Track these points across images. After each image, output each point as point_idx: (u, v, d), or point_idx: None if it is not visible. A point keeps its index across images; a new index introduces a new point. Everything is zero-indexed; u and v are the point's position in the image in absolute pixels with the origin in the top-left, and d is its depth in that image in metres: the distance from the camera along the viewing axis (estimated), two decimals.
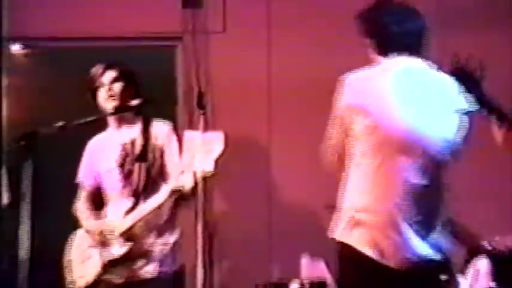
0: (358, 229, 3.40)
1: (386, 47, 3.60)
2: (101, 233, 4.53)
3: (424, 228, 3.41)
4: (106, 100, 4.48)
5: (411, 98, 3.48)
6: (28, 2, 5.75)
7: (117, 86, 4.48)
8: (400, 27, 3.59)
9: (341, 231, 3.45)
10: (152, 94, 4.68)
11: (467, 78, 3.37)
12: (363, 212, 3.41)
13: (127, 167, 4.55)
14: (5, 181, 5.07)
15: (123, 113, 4.45)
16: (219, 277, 5.34)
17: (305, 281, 5.07)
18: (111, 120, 4.59)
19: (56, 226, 4.99)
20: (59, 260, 4.83)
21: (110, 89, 4.47)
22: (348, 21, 5.19)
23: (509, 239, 4.72)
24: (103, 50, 5.98)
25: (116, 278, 4.47)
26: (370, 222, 3.38)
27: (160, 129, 4.47)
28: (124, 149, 4.55)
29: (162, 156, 4.46)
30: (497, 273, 4.60)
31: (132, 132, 4.55)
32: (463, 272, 4.65)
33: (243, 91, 5.68)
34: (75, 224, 4.95)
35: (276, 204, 5.63)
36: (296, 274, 5.02)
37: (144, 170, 4.49)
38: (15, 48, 6.29)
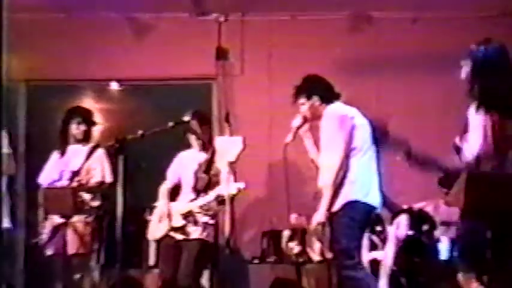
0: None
1: (332, 97, 4.68)
2: (169, 210, 5.31)
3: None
4: (194, 139, 5.29)
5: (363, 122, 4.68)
6: (118, 54, 6.92)
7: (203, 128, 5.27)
8: (332, 86, 4.76)
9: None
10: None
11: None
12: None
13: (198, 175, 5.33)
14: (108, 168, 5.46)
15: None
16: (237, 227, 6.01)
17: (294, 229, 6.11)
18: (195, 143, 5.36)
19: (138, 196, 5.71)
20: (140, 216, 5.85)
21: (195, 130, 5.26)
22: (340, 58, 6.57)
23: (421, 203, 5.82)
24: (167, 87, 7.18)
25: (176, 235, 5.28)
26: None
27: (221, 157, 5.03)
28: (199, 164, 5.33)
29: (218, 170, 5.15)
30: (411, 225, 5.76)
31: (205, 154, 5.34)
32: (391, 223, 5.86)
33: (254, 112, 6.76)
34: (149, 196, 5.81)
35: (274, 180, 6.39)
36: (288, 225, 5.99)
37: (207, 178, 5.26)
38: (114, 85, 7.49)
